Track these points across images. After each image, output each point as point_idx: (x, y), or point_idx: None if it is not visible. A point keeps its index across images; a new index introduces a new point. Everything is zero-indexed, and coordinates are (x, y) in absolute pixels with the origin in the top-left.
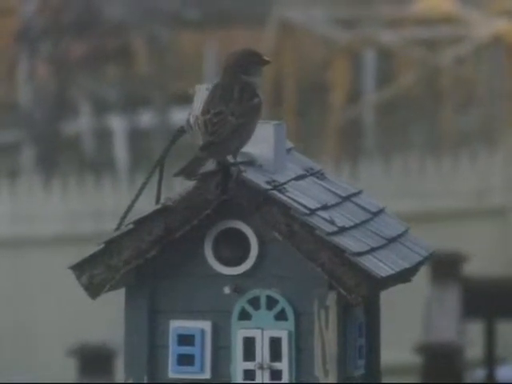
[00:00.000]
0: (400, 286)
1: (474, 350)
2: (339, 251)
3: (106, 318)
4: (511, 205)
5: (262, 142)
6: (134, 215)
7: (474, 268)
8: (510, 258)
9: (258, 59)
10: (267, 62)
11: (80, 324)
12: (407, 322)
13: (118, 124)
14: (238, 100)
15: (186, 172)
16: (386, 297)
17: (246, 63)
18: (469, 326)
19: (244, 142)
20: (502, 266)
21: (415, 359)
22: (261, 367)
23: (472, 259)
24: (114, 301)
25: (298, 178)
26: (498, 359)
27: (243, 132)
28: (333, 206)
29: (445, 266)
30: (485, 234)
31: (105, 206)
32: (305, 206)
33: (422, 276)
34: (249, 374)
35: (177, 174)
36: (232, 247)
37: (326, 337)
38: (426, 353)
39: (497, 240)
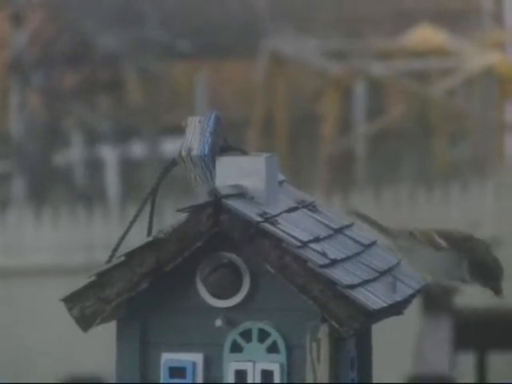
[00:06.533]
0: (391, 319)
1: (466, 381)
2: (331, 284)
3: (97, 350)
4: (502, 236)
5: (253, 174)
6: (126, 247)
7: (466, 300)
8: None
9: None
10: None
11: (71, 355)
12: (398, 354)
13: (109, 155)
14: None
15: None
16: (378, 329)
17: None
18: (460, 357)
19: None
20: (494, 297)
21: None
22: None
23: (464, 291)
24: (106, 333)
25: (290, 210)
26: None
27: None
28: (325, 238)
29: (436, 298)
30: None
31: (96, 237)
32: (297, 239)
33: (414, 308)
34: None
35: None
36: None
37: (318, 370)
38: None
39: None
